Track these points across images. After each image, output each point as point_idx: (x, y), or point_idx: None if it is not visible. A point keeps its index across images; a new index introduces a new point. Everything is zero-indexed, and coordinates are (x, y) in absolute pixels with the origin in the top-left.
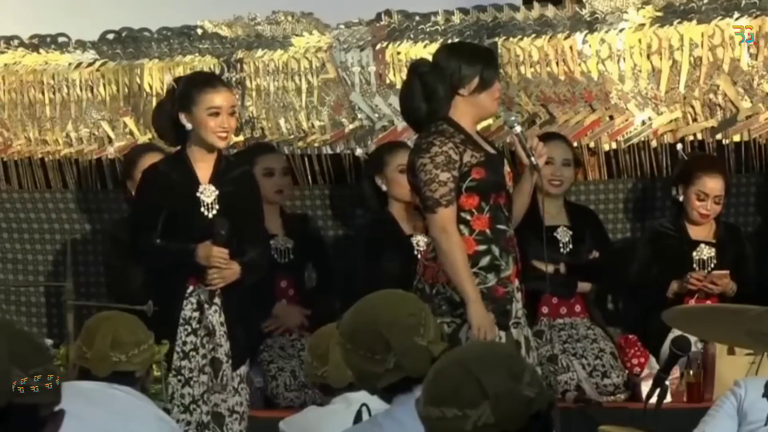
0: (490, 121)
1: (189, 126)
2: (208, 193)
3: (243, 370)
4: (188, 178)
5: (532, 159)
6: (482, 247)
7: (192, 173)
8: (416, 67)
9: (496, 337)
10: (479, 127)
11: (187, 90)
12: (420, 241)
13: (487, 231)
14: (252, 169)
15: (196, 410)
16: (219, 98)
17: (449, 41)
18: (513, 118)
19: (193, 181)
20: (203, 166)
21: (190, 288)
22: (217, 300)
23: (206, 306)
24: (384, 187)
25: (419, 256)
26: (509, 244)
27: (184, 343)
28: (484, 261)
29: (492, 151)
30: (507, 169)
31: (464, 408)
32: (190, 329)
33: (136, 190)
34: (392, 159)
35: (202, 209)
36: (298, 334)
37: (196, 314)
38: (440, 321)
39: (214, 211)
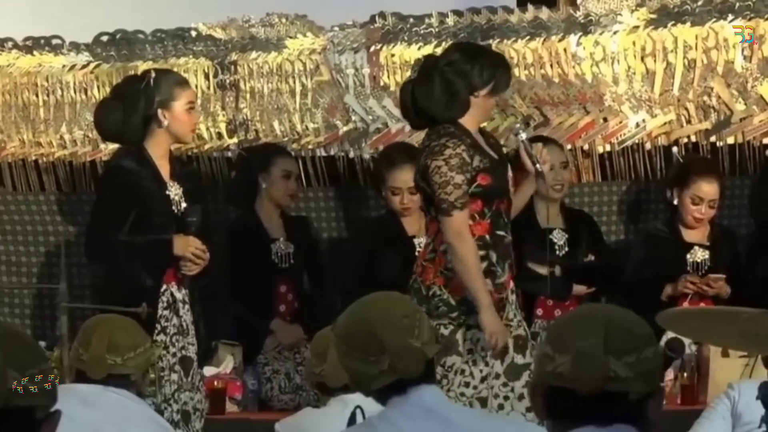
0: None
1: (166, 122)
2: (174, 190)
3: (204, 368)
4: (156, 177)
5: (538, 166)
6: (481, 253)
7: (158, 171)
8: (435, 62)
9: (509, 342)
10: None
11: (167, 86)
12: (423, 242)
13: (487, 237)
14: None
15: (167, 409)
16: (193, 94)
17: (443, 43)
18: (518, 126)
19: (160, 179)
20: (163, 164)
21: (164, 287)
22: (186, 299)
23: (180, 305)
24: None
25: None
26: (506, 250)
27: (155, 341)
28: (482, 267)
29: (494, 155)
30: (510, 174)
31: None
32: (159, 327)
33: (100, 188)
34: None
35: (173, 207)
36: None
37: (167, 312)
38: (437, 323)
39: (182, 207)
